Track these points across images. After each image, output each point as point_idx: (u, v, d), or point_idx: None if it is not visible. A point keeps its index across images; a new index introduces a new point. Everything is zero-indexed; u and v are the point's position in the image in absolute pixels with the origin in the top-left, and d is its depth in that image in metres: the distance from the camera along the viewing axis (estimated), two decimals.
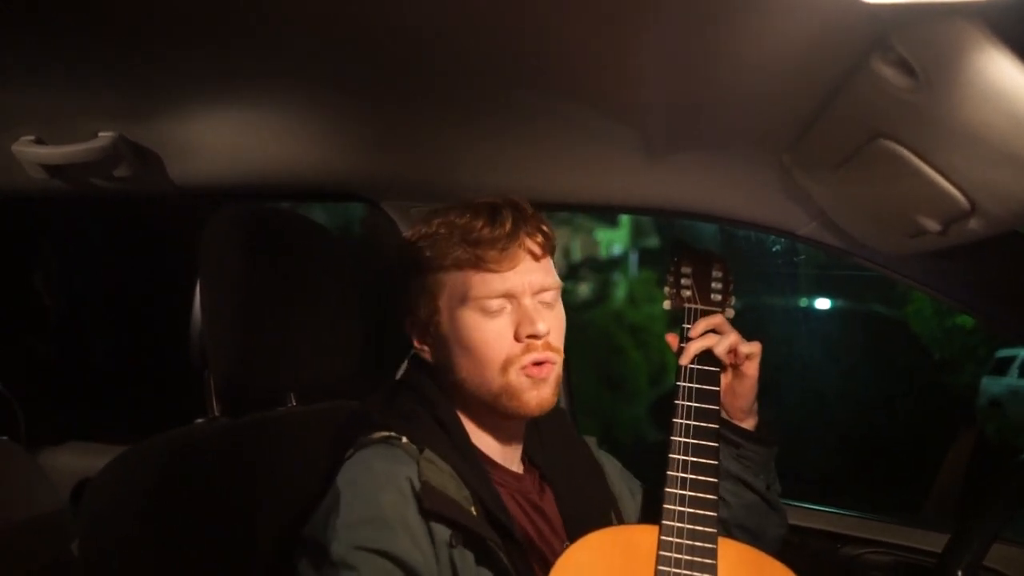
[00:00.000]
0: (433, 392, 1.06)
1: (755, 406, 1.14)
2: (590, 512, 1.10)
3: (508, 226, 1.01)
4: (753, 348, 1.10)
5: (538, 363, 1.01)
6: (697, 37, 0.80)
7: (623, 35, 0.83)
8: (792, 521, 1.31)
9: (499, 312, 1.01)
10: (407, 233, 1.10)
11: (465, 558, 0.94)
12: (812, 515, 1.54)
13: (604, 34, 0.84)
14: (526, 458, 1.12)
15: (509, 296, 1.02)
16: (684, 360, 1.10)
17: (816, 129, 0.98)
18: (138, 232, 2.33)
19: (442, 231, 1.03)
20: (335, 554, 0.91)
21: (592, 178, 1.29)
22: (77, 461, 1.66)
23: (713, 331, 1.12)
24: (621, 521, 1.16)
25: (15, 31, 1.05)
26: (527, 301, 1.02)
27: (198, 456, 1.00)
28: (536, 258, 1.03)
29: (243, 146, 1.34)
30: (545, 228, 1.05)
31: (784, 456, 1.18)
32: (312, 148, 1.31)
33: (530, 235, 1.03)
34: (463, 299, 1.02)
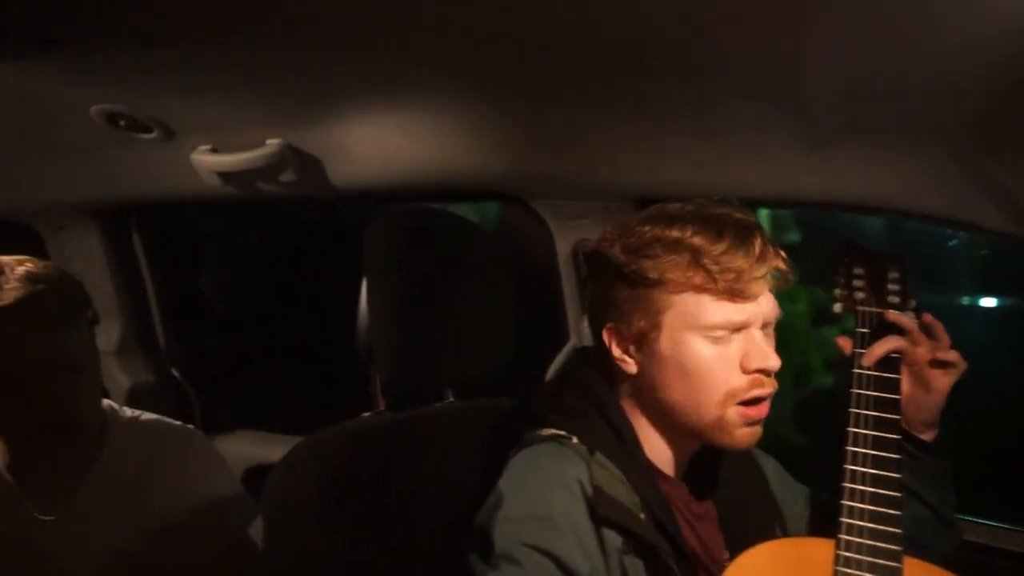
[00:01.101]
0: (604, 392, 1.03)
1: (937, 418, 1.05)
2: (752, 523, 1.05)
3: (757, 253, 0.94)
4: (953, 357, 1.00)
5: (759, 401, 0.95)
6: (888, 20, 0.75)
7: (803, 18, 0.79)
8: (983, 540, 1.21)
9: (726, 340, 0.95)
10: (617, 235, 1.02)
11: (636, 566, 0.92)
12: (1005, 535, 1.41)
13: (782, 18, 0.80)
14: (687, 470, 1.08)
15: (744, 328, 0.96)
16: (868, 361, 1.01)
17: (1012, 111, 0.90)
18: (301, 233, 2.46)
19: (667, 248, 0.96)
20: (500, 547, 0.91)
21: (755, 172, 1.24)
22: (248, 449, 1.77)
23: (898, 333, 1.03)
24: (786, 532, 1.10)
25: (197, 51, 1.12)
26: (756, 332, 0.96)
27: (368, 448, 1.04)
28: (772, 289, 0.97)
29: (399, 148, 1.38)
30: (783, 254, 0.97)
31: (963, 468, 1.10)
32: (465, 148, 1.33)
33: (773, 263, 0.95)
34: (692, 324, 0.95)
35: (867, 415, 0.98)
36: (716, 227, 0.95)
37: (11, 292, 1.12)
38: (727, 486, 1.07)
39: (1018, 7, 0.72)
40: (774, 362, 0.95)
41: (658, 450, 1.03)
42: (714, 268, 0.93)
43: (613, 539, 0.92)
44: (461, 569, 0.97)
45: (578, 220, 1.39)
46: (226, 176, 1.54)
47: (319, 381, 2.36)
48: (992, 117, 0.93)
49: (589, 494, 0.93)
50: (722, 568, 0.94)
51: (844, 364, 1.03)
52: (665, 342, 0.97)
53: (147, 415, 1.39)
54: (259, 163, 1.46)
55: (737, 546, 0.97)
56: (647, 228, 0.98)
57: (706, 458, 1.08)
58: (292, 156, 1.45)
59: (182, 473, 1.30)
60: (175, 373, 2.06)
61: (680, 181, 1.28)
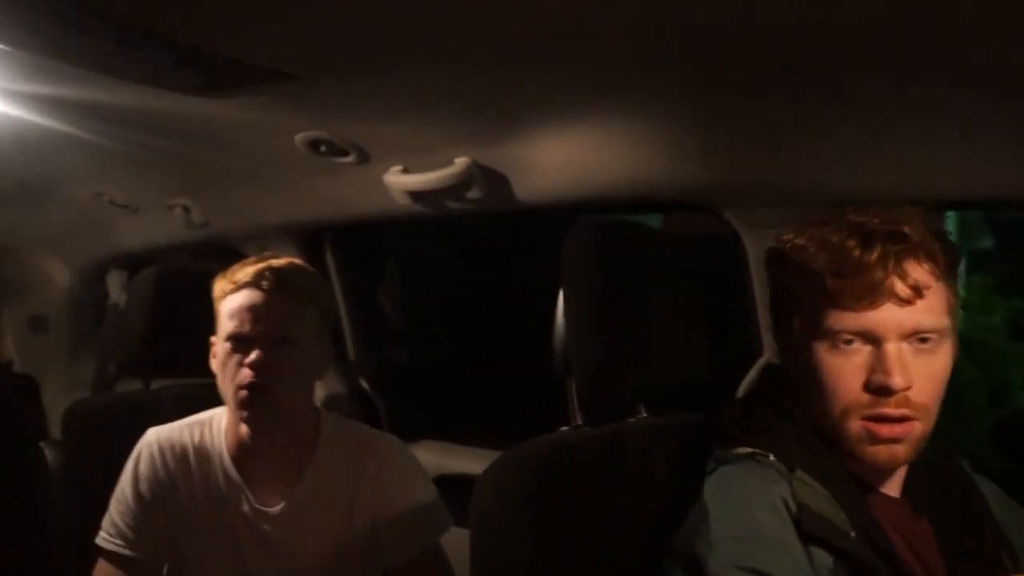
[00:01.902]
0: (792, 408, 0.99)
1: None
2: (974, 546, 0.96)
3: (890, 262, 0.88)
4: None
5: (885, 420, 0.89)
6: None
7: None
8: None
9: (853, 351, 0.91)
10: (779, 240, 1.03)
11: None
12: None
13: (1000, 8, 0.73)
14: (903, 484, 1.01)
15: (867, 336, 0.90)
16: None
17: None
18: (495, 247, 2.53)
19: (811, 248, 0.94)
20: (712, 569, 0.88)
21: (967, 174, 1.14)
22: (432, 458, 1.82)
23: None
24: (1014, 560, 0.99)
25: (394, 77, 1.17)
26: (891, 346, 0.89)
27: (571, 462, 1.05)
28: (906, 300, 0.89)
29: (585, 161, 1.38)
30: (929, 259, 0.90)
31: None
32: (653, 159, 1.31)
33: (902, 271, 0.89)
34: (817, 327, 0.93)
35: None
36: (854, 228, 0.91)
37: (265, 265, 1.32)
38: (944, 506, 0.99)
39: None
40: (897, 380, 0.87)
41: (860, 463, 0.96)
42: (835, 268, 0.90)
43: (823, 559, 0.88)
44: None
45: (772, 228, 1.33)
46: (416, 195, 1.60)
47: (503, 393, 2.41)
48: None
49: (794, 512, 0.89)
50: None
51: None
52: (799, 345, 0.95)
53: (350, 421, 1.47)
54: (448, 182, 1.51)
55: (957, 570, 0.90)
56: (810, 230, 0.96)
57: (919, 475, 1.00)
58: (479, 173, 1.49)
59: (386, 479, 1.36)
60: (364, 384, 2.16)
61: (880, 183, 1.20)
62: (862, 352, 0.91)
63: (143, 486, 1.35)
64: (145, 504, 1.34)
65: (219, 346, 1.32)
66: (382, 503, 1.35)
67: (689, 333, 1.19)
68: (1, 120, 1.52)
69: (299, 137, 1.50)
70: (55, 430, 2.09)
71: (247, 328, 1.28)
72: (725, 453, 1.00)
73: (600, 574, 1.02)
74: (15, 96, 1.40)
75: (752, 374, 1.43)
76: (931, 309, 0.90)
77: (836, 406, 0.92)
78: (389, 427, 2.06)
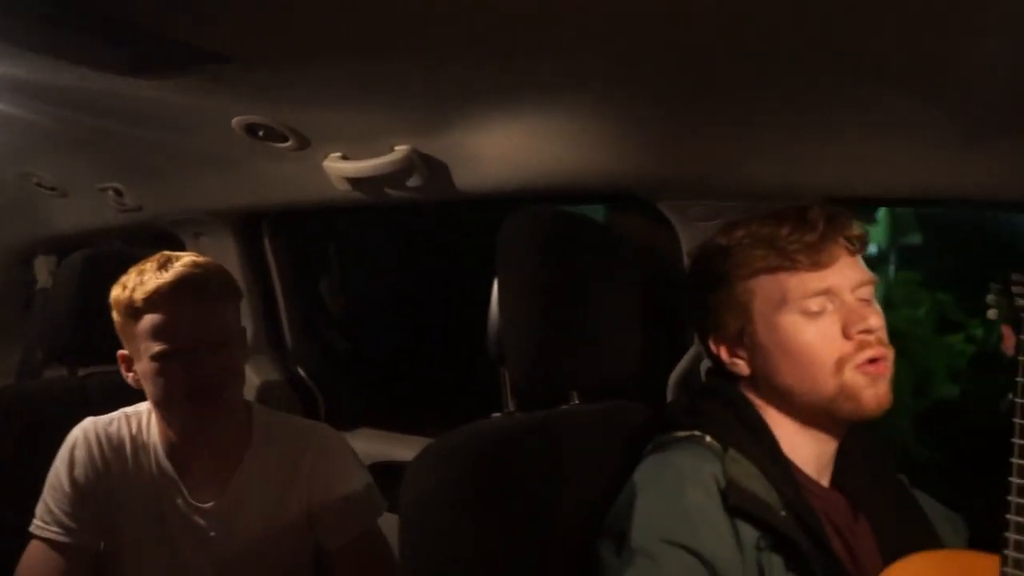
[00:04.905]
0: (737, 396, 1.04)
1: None
2: (909, 544, 1.00)
3: (821, 226, 0.97)
4: None
5: (875, 359, 0.95)
6: None
7: (969, 10, 0.75)
8: None
9: (821, 312, 0.97)
10: (699, 249, 1.09)
11: (773, 563, 0.91)
12: None
13: (944, 9, 0.76)
14: (836, 482, 1.05)
15: (829, 294, 0.97)
16: None
17: None
18: (430, 236, 2.52)
19: (746, 240, 1.01)
20: (637, 544, 0.92)
21: (897, 170, 1.19)
22: (370, 446, 1.82)
23: None
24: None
25: (334, 64, 1.17)
26: (848, 297, 0.97)
27: (503, 448, 1.06)
28: (851, 253, 0.99)
29: (525, 152, 1.39)
30: (855, 223, 1.00)
31: None
32: (592, 150, 1.33)
33: (843, 231, 0.99)
34: (780, 303, 0.98)
35: None
36: (783, 215, 1.00)
37: (173, 273, 1.26)
38: (882, 506, 1.04)
39: None
40: (874, 321, 0.95)
41: (797, 447, 1.02)
42: (786, 246, 0.98)
43: (749, 533, 0.92)
44: (594, 568, 0.98)
45: (706, 222, 1.37)
46: (355, 182, 1.59)
47: (438, 381, 2.42)
48: None
49: (722, 487, 0.93)
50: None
51: (978, 370, 0.99)
52: (762, 332, 1.00)
53: (282, 414, 1.47)
54: (387, 169, 1.51)
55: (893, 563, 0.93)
56: (737, 231, 1.03)
57: (857, 474, 1.05)
58: (419, 161, 1.49)
59: (319, 468, 1.37)
60: (301, 372, 2.14)
61: (813, 181, 1.24)
62: (828, 311, 0.97)
63: (78, 472, 1.33)
64: (80, 491, 1.33)
65: (144, 364, 1.27)
66: (317, 491, 1.36)
67: (623, 322, 1.21)
68: None
69: (236, 121, 1.48)
70: None
71: (179, 343, 1.24)
72: (663, 437, 1.04)
73: (531, 559, 1.03)
74: None
75: (683, 364, 1.47)
76: (863, 266, 1.02)
77: (828, 365, 0.96)
78: (327, 415, 2.05)
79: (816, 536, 0.93)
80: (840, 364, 0.96)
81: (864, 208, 1.35)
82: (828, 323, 0.97)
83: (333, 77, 1.25)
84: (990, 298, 1.05)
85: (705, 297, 1.06)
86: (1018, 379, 0.96)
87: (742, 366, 1.04)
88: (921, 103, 1.03)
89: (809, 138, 1.18)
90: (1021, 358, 0.97)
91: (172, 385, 1.25)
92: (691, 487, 0.94)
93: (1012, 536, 0.87)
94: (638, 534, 0.92)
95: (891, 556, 0.97)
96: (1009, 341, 1.00)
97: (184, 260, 1.29)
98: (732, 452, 0.97)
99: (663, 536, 0.91)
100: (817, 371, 0.97)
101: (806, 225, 0.98)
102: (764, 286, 1.00)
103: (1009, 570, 0.86)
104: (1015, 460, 0.91)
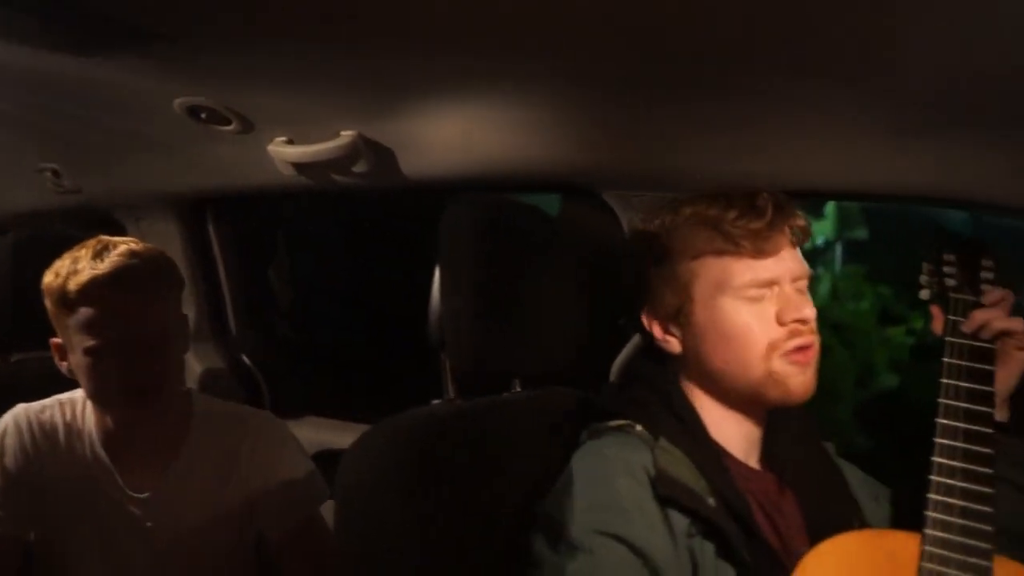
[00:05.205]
0: (664, 380, 1.06)
1: (1007, 396, 1.04)
2: (833, 517, 1.04)
3: (769, 214, 0.99)
4: (1018, 325, 0.99)
5: (803, 348, 0.98)
6: (984, 9, 0.73)
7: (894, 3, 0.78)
8: None
9: (759, 299, 1.00)
10: (642, 223, 1.09)
11: (704, 549, 0.93)
12: None
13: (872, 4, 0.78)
14: (764, 460, 1.08)
15: (771, 284, 1.00)
16: (970, 327, 1.00)
17: None
18: (372, 225, 2.50)
19: (692, 220, 1.02)
20: (571, 535, 0.93)
21: (837, 164, 1.22)
22: (314, 434, 1.81)
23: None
24: (865, 527, 1.09)
25: (278, 46, 1.15)
26: (787, 287, 1.00)
27: (442, 434, 1.06)
28: (794, 244, 1.02)
29: (473, 140, 1.39)
30: (801, 214, 1.03)
31: None
32: (539, 139, 1.33)
33: (789, 220, 1.01)
34: (722, 287, 1.00)
35: (958, 407, 0.95)
36: (732, 199, 1.02)
37: (107, 264, 1.19)
38: (811, 486, 1.07)
39: None
40: (808, 311, 0.98)
41: (725, 435, 1.04)
42: (732, 231, 0.99)
43: (680, 521, 0.93)
44: (529, 560, 0.99)
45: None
46: (301, 167, 1.57)
47: (384, 369, 2.41)
48: None
49: (653, 476, 0.95)
50: (800, 559, 0.93)
51: (918, 361, 1.02)
52: (700, 312, 1.02)
53: (221, 401, 1.45)
54: (333, 154, 1.49)
55: (820, 539, 0.96)
56: (685, 208, 1.04)
57: (787, 457, 1.08)
58: (365, 147, 1.48)
59: (260, 456, 1.35)
60: (245, 359, 2.11)
61: (753, 172, 1.26)
62: (766, 298, 1.00)
63: (8, 460, 1.29)
64: (9, 479, 1.29)
65: (78, 358, 1.22)
66: (258, 478, 1.34)
67: (565, 310, 1.22)
68: None
69: (178, 103, 1.44)
70: None
71: (115, 339, 1.19)
72: (596, 427, 1.05)
73: (469, 546, 1.04)
74: None
75: (626, 352, 1.48)
76: (798, 255, 1.05)
77: (759, 348, 0.99)
78: (271, 403, 2.03)
79: (745, 522, 0.95)
80: (771, 349, 0.99)
81: (811, 202, 1.38)
82: (765, 308, 1.00)
83: (278, 59, 1.23)
84: (923, 278, 1.09)
85: (645, 271, 1.07)
86: (945, 359, 0.99)
87: (674, 344, 1.06)
88: (855, 99, 1.05)
89: (751, 131, 1.20)
90: (948, 339, 1.01)
91: (106, 382, 1.22)
92: (623, 478, 0.95)
93: (931, 515, 0.90)
94: (572, 526, 0.93)
95: (817, 529, 1.00)
96: (939, 321, 1.04)
97: (121, 248, 1.23)
98: (662, 441, 0.99)
99: (597, 527, 0.92)
100: (748, 354, 0.99)
101: (754, 211, 1.00)
102: (708, 267, 1.02)
103: (929, 548, 0.89)
104: (937, 440, 0.94)
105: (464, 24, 1.02)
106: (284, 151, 1.55)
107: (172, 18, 1.08)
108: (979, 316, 1.00)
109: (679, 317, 1.04)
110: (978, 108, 1.00)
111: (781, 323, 0.99)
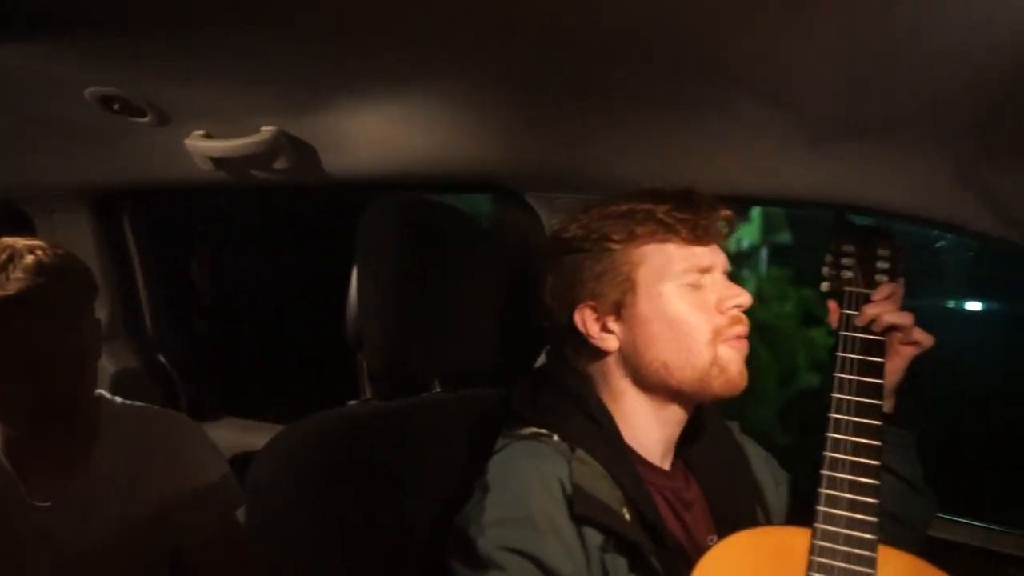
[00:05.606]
0: (579, 386, 1.04)
1: (894, 388, 1.08)
2: (736, 503, 1.07)
3: (701, 204, 1.02)
4: (906, 320, 1.04)
5: (742, 335, 1.01)
6: (886, 19, 0.76)
7: (793, 14, 0.80)
8: (950, 537, 1.22)
9: (698, 286, 1.01)
10: (572, 220, 1.08)
11: (617, 564, 0.93)
12: (971, 531, 1.43)
13: (771, 14, 0.81)
14: (677, 455, 1.09)
15: (709, 271, 1.02)
16: (861, 321, 1.04)
17: (1011, 114, 0.91)
18: (291, 222, 2.45)
19: (628, 213, 1.03)
20: (482, 551, 0.91)
21: (751, 170, 1.25)
22: (233, 436, 1.77)
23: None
24: (767, 512, 1.12)
25: (194, 36, 1.12)
26: (719, 276, 1.03)
27: (356, 435, 1.05)
28: (723, 236, 1.05)
29: (395, 138, 1.38)
30: (725, 209, 1.05)
31: (934, 466, 1.11)
32: (462, 140, 1.33)
33: (719, 212, 1.04)
34: (664, 273, 1.01)
35: (849, 400, 0.98)
36: (662, 193, 1.04)
37: (14, 283, 1.12)
38: (715, 470, 1.09)
39: (1017, 15, 0.73)
40: (746, 297, 1.01)
41: (643, 436, 1.04)
42: (669, 220, 1.01)
43: (594, 537, 0.92)
44: (445, 566, 0.97)
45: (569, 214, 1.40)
46: (219, 162, 1.53)
47: (304, 369, 2.37)
48: (988, 120, 0.94)
49: (569, 492, 0.93)
50: (705, 552, 0.95)
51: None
52: (643, 301, 1.01)
53: (132, 403, 1.39)
54: (252, 149, 1.46)
55: (725, 530, 0.99)
56: (620, 204, 1.04)
57: (693, 443, 1.09)
58: (286, 143, 1.45)
59: (173, 459, 1.31)
60: (161, 359, 2.05)
61: (672, 177, 1.28)
62: (705, 286, 1.02)
63: None
64: None
65: None
66: (170, 483, 1.30)
67: (486, 311, 1.22)
68: None
69: (89, 92, 1.39)
70: None
71: (23, 363, 1.13)
72: (511, 433, 1.03)
73: (384, 550, 1.02)
74: None
75: (544, 355, 1.49)
76: (720, 250, 1.06)
77: (705, 334, 1.00)
78: (188, 405, 1.97)
79: (658, 533, 0.96)
80: (715, 335, 1.00)
81: (736, 206, 1.41)
82: (705, 296, 1.01)
83: (195, 50, 1.19)
84: (824, 270, 1.12)
85: (578, 268, 1.04)
86: (838, 353, 1.03)
87: (611, 341, 1.03)
88: (769, 107, 1.08)
89: (672, 136, 1.22)
90: (842, 333, 1.04)
91: (16, 403, 1.17)
92: (535, 493, 0.93)
93: (821, 509, 0.93)
94: (483, 543, 0.91)
95: (720, 516, 1.03)
96: (835, 315, 1.07)
97: (27, 263, 1.15)
98: (580, 452, 0.97)
99: (507, 544, 0.90)
100: (693, 341, 0.99)
101: (687, 201, 1.02)
102: (649, 255, 1.02)
103: (817, 541, 0.92)
104: (829, 434, 0.97)
105: (385, 21, 1.01)
106: (202, 145, 1.51)
107: (82, 4, 1.04)
108: (869, 311, 1.04)
109: (620, 311, 1.02)
110: (873, 119, 1.04)
111: (721, 310, 1.01)
